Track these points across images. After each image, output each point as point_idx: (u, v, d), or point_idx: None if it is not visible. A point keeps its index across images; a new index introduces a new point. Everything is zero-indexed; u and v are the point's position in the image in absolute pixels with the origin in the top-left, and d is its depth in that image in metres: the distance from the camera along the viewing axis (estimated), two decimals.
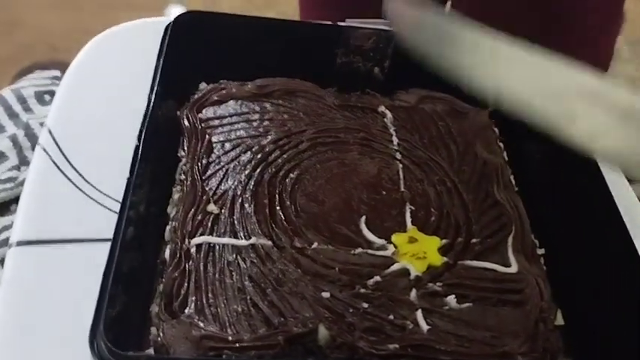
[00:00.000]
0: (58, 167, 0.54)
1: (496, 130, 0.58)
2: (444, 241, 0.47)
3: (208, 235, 0.45)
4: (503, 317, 0.43)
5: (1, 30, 1.09)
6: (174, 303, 0.41)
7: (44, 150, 0.55)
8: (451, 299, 0.43)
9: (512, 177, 0.54)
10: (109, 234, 0.47)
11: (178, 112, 0.55)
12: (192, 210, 0.46)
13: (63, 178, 0.54)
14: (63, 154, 0.55)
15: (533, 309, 0.44)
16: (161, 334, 0.39)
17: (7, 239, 0.60)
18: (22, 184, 0.61)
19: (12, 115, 0.74)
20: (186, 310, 0.41)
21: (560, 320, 0.45)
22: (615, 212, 0.46)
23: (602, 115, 0.36)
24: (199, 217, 0.46)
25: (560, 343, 0.43)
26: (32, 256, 0.48)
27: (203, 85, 0.58)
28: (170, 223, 0.47)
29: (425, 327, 0.41)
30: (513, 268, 0.46)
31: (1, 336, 0.44)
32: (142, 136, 0.47)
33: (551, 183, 0.53)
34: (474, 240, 0.48)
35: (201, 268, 0.43)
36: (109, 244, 0.47)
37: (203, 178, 0.49)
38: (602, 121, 0.36)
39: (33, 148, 0.68)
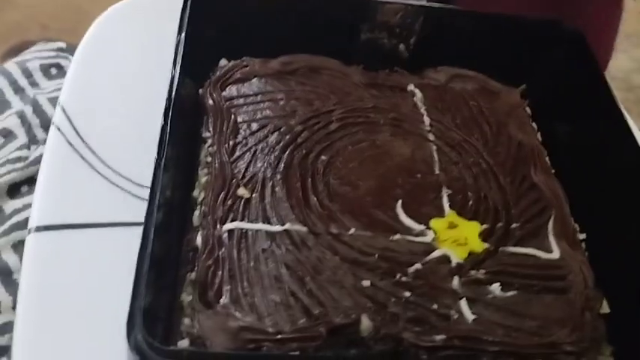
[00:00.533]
0: (73, 148, 0.52)
1: (528, 109, 0.56)
2: (484, 226, 0.45)
3: (240, 220, 0.43)
4: (548, 305, 0.42)
5: None
6: (209, 292, 0.39)
7: (58, 129, 0.53)
8: (495, 287, 0.42)
9: (547, 158, 0.52)
10: (128, 217, 0.47)
11: (200, 90, 0.52)
12: (223, 194, 0.44)
13: (79, 159, 0.52)
14: (78, 134, 0.53)
15: (579, 296, 0.42)
16: (197, 325, 0.38)
17: (19, 223, 0.59)
18: (32, 164, 0.62)
19: (17, 89, 0.71)
20: (221, 300, 0.39)
21: (605, 308, 0.43)
22: None
23: None
24: (230, 202, 0.44)
25: (604, 332, 0.42)
26: (52, 241, 0.46)
27: (224, 62, 0.56)
28: (199, 207, 0.44)
29: (470, 317, 0.40)
30: (555, 254, 0.45)
31: (23, 325, 0.42)
32: (169, 116, 0.44)
33: (587, 164, 0.51)
34: (513, 225, 0.46)
35: (235, 255, 0.41)
36: (128, 228, 0.47)
37: (231, 160, 0.46)
38: None
39: (43, 126, 0.65)
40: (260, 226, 0.43)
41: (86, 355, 0.41)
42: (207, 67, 0.55)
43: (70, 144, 0.52)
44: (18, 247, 0.57)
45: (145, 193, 0.42)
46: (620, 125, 0.50)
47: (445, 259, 0.43)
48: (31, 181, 0.60)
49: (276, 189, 0.45)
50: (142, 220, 0.39)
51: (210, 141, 0.48)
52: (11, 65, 0.74)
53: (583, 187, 0.50)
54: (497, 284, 0.42)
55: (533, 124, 0.55)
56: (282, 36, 0.57)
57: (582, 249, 0.46)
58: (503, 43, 0.57)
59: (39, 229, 0.47)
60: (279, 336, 0.37)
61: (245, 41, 0.56)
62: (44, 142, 0.59)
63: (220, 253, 0.41)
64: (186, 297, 0.41)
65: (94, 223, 0.48)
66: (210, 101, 0.51)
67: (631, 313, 0.44)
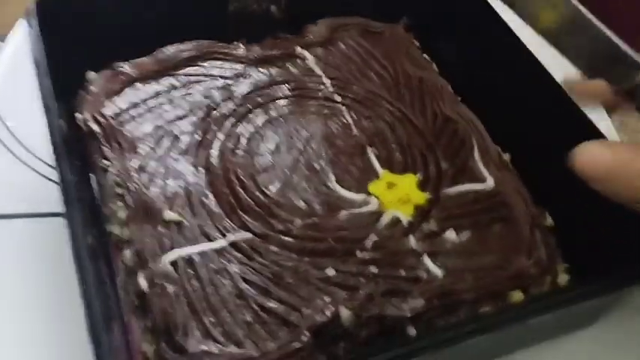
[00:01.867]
0: None
1: (416, 42, 0.56)
2: (418, 175, 0.45)
3: (179, 247, 0.39)
4: (500, 235, 0.43)
5: None
6: (176, 337, 0.35)
7: None
8: (450, 234, 0.42)
9: (449, 88, 0.52)
10: (47, 207, 0.47)
11: (79, 115, 0.47)
12: (150, 225, 0.40)
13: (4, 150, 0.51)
14: (4, 125, 0.53)
15: (523, 217, 0.43)
16: None
17: None
18: None
19: None
20: (189, 341, 0.36)
21: (549, 221, 0.45)
22: (557, 89, 0.46)
23: None
24: (161, 230, 0.40)
25: (556, 245, 0.43)
26: None
27: (92, 75, 0.50)
28: (128, 246, 0.40)
29: (438, 272, 0.40)
30: (489, 182, 0.45)
31: None
32: (60, 168, 0.39)
33: (488, 83, 0.52)
34: (443, 166, 0.46)
35: (188, 286, 0.38)
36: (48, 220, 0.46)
37: (143, 183, 0.42)
38: None
39: None
40: (202, 246, 0.40)
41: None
42: (74, 85, 0.49)
43: None
44: None
45: None
46: (501, 28, 0.50)
47: (396, 221, 0.42)
48: None
49: (204, 199, 0.42)
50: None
51: (112, 170, 0.43)
52: None
53: (491, 105, 0.51)
54: (451, 230, 0.42)
55: (425, 56, 0.54)
56: (145, 29, 0.51)
57: (511, 169, 0.47)
58: None
59: None
60: (266, 358, 0.35)
61: (106, 45, 0.50)
62: None
63: (172, 290, 0.37)
64: (149, 347, 0.38)
65: (20, 213, 0.48)
66: (95, 126, 0.45)
67: (572, 221, 0.45)
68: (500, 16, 0.52)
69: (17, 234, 0.48)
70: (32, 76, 0.45)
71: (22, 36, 0.57)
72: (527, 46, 0.48)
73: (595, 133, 0.43)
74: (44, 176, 0.50)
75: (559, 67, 0.51)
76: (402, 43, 0.55)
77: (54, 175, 0.49)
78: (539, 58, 0.48)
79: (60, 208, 0.46)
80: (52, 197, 0.45)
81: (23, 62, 0.51)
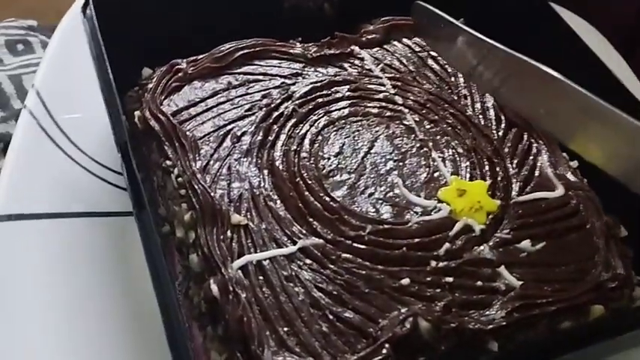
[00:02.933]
0: (45, 132, 0.51)
1: None
2: (488, 181, 0.44)
3: (248, 252, 0.38)
4: (575, 245, 0.41)
5: None
6: (251, 346, 0.34)
7: (31, 114, 0.51)
8: (526, 244, 0.40)
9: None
10: (100, 207, 0.46)
11: (138, 112, 0.45)
12: (217, 228, 0.39)
13: (51, 145, 0.50)
14: (52, 119, 0.51)
15: (598, 227, 0.42)
16: None
17: None
18: None
19: None
20: (266, 350, 0.34)
21: (623, 232, 0.43)
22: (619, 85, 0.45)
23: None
24: (229, 234, 0.39)
25: (632, 256, 0.42)
26: (20, 231, 0.45)
27: (147, 71, 0.49)
28: (194, 250, 0.39)
29: (516, 283, 0.38)
30: (560, 191, 0.44)
31: None
32: (126, 167, 0.38)
33: None
34: (511, 171, 0.45)
35: (260, 294, 0.36)
36: (105, 218, 0.46)
37: (209, 184, 0.41)
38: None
39: (0, 106, 0.64)
40: (272, 252, 0.38)
41: (46, 344, 0.41)
42: (130, 80, 0.48)
43: (43, 129, 0.50)
44: None
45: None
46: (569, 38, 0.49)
47: (468, 229, 0.41)
48: None
49: (270, 203, 0.41)
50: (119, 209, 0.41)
51: (176, 170, 0.42)
52: None
53: None
54: (527, 240, 0.40)
55: None
56: (199, 27, 0.51)
57: (580, 177, 0.46)
58: None
59: (2, 218, 0.45)
60: None
61: (162, 43, 0.49)
62: (1, 119, 0.62)
63: (244, 297, 0.36)
64: (218, 356, 0.36)
65: (65, 212, 0.47)
66: (157, 124, 0.44)
67: None
68: (561, 17, 0.51)
69: (70, 232, 0.47)
70: (83, 73, 0.44)
71: (71, 28, 0.56)
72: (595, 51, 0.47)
73: None
74: (98, 176, 0.49)
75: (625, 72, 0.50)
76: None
77: (106, 174, 0.48)
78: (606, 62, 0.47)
79: (113, 207, 0.45)
80: (104, 196, 0.45)
81: (73, 58, 0.50)
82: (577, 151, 0.41)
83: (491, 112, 0.49)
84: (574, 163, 0.47)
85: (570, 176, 0.45)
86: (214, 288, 0.36)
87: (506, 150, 0.46)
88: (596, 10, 0.64)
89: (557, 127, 0.42)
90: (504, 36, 0.46)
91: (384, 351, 0.34)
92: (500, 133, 0.47)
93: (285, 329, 0.35)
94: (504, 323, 0.36)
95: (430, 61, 0.52)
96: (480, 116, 0.48)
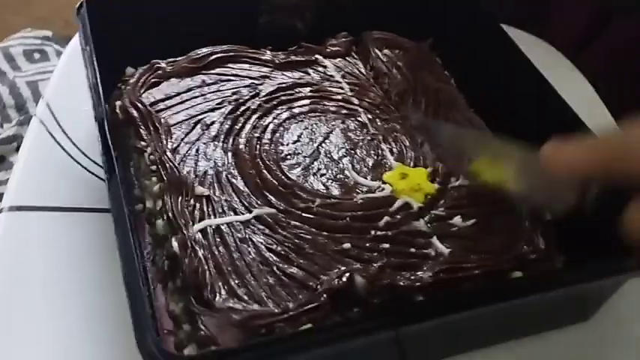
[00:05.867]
0: (54, 138, 0.56)
1: (439, 60, 0.60)
2: (429, 169, 0.49)
3: (208, 218, 0.43)
4: (503, 224, 0.46)
5: (18, 3, 1.02)
6: (204, 293, 0.39)
7: (41, 122, 0.57)
8: (457, 219, 0.45)
9: (464, 100, 0.56)
10: (102, 204, 0.50)
11: (118, 102, 0.51)
12: (182, 197, 0.44)
13: (58, 148, 0.55)
14: (60, 126, 0.57)
15: (524, 210, 0.47)
16: (202, 327, 0.38)
17: None
18: (2, 142, 0.67)
19: None
20: (218, 298, 0.39)
21: (548, 216, 0.48)
22: (566, 107, 0.50)
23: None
24: (192, 202, 0.43)
25: (553, 236, 0.47)
26: (24, 221, 0.49)
27: (130, 70, 0.55)
28: (160, 217, 0.44)
29: (445, 250, 0.43)
30: None
31: None
32: (103, 144, 0.43)
33: (498, 98, 0.55)
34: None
35: (216, 251, 0.41)
36: (103, 215, 0.49)
37: (178, 162, 0.46)
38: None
39: (17, 107, 0.70)
40: (229, 218, 0.43)
41: (52, 335, 0.44)
42: (113, 80, 0.54)
43: (52, 135, 0.56)
44: None
45: None
46: (520, 62, 0.54)
47: (407, 207, 0.45)
48: (1, 159, 0.66)
49: (232, 180, 0.46)
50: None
51: (149, 149, 0.47)
52: None
53: (501, 120, 0.54)
54: (458, 216, 0.45)
55: (446, 73, 0.59)
56: (181, 34, 0.56)
57: None
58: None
59: (12, 208, 0.50)
60: (287, 314, 0.38)
61: (146, 45, 0.55)
62: (17, 122, 0.68)
63: (201, 253, 0.40)
64: (176, 306, 0.41)
65: (70, 207, 0.51)
66: (134, 111, 0.49)
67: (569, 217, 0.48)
68: (513, 43, 0.56)
69: (74, 225, 0.50)
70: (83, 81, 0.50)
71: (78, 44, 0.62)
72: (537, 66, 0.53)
73: None
74: (101, 178, 0.53)
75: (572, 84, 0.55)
76: (426, 58, 0.60)
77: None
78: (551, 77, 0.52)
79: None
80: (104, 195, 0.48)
81: (82, 71, 0.56)
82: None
83: (441, 116, 0.54)
84: None
85: None
86: (175, 244, 0.41)
87: None
88: (544, 24, 0.71)
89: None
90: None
91: (321, 299, 0.39)
92: None
93: (236, 281, 0.40)
94: (430, 281, 0.41)
95: (394, 71, 0.57)
96: (432, 117, 0.54)
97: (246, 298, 0.39)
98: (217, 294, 0.39)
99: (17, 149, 0.61)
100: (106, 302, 0.45)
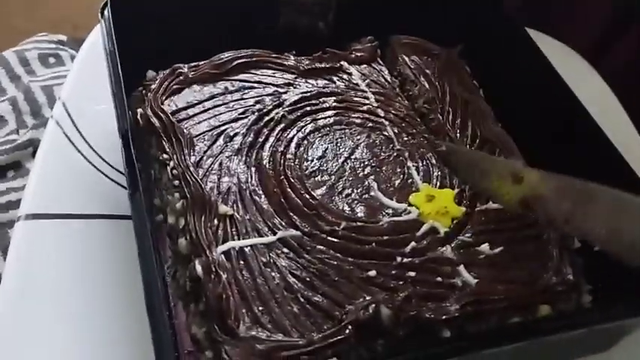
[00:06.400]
0: (70, 141, 0.55)
1: (468, 68, 0.58)
2: (455, 190, 0.48)
3: (232, 239, 0.42)
4: (531, 252, 0.45)
5: (25, 6, 1.06)
6: (228, 321, 0.38)
7: (57, 123, 0.56)
8: (485, 247, 0.44)
9: (492, 113, 0.55)
10: (119, 210, 0.50)
11: (140, 110, 0.50)
12: (205, 216, 0.43)
13: (75, 152, 0.54)
14: (76, 128, 0.55)
15: (552, 237, 0.46)
16: (224, 356, 0.37)
17: (3, 205, 0.63)
18: (18, 148, 0.66)
19: (13, 77, 0.74)
20: (241, 326, 0.38)
21: (576, 243, 0.47)
22: (595, 126, 0.49)
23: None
24: (216, 222, 0.43)
25: (582, 265, 0.46)
26: (42, 230, 0.49)
27: (151, 74, 0.53)
28: (183, 235, 0.43)
29: (472, 281, 0.42)
30: None
31: (7, 307, 0.45)
32: (126, 153, 0.42)
33: (528, 113, 0.54)
34: None
35: (239, 276, 0.40)
36: (121, 222, 0.49)
37: (201, 177, 0.45)
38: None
39: (32, 112, 0.69)
40: (253, 240, 0.42)
41: (68, 344, 0.43)
42: (135, 81, 0.53)
43: (67, 136, 0.55)
44: None
45: None
46: (550, 74, 0.53)
47: (433, 231, 0.45)
48: (18, 165, 0.65)
49: (255, 197, 0.45)
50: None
51: (171, 163, 0.46)
52: (10, 54, 0.76)
53: (528, 135, 0.53)
54: (486, 244, 0.44)
55: (475, 82, 0.57)
56: (202, 36, 0.55)
57: None
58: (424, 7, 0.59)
59: (28, 217, 0.49)
60: (311, 347, 0.37)
61: (167, 49, 0.54)
62: (33, 127, 0.66)
63: (225, 278, 0.40)
64: (198, 329, 0.40)
65: (86, 214, 0.50)
66: (157, 121, 0.48)
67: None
68: (546, 59, 0.54)
69: (89, 232, 0.50)
70: (105, 86, 0.48)
71: (96, 46, 0.60)
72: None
73: (624, 168, 0.46)
74: (117, 183, 0.53)
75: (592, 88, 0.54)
76: (455, 66, 0.58)
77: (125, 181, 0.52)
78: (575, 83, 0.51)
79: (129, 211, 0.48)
80: (122, 201, 0.48)
81: (97, 72, 0.54)
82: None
83: (469, 130, 0.53)
84: None
85: None
86: (198, 268, 0.40)
87: None
88: (564, 26, 0.69)
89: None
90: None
91: (347, 331, 0.38)
92: (474, 147, 0.51)
93: (260, 308, 0.39)
94: (457, 315, 0.40)
95: (422, 79, 0.56)
96: (458, 131, 0.53)
97: (270, 326, 0.38)
98: (241, 321, 0.38)
99: (33, 154, 0.60)
100: (123, 312, 0.44)
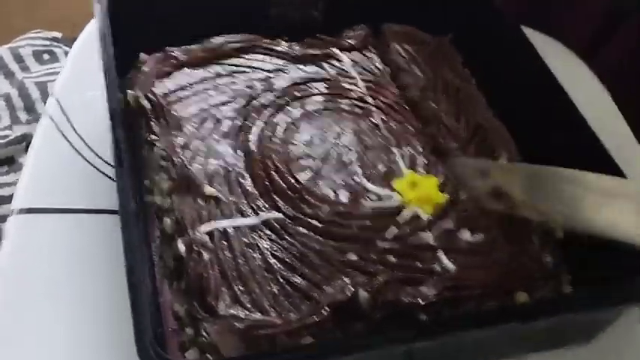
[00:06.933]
0: (63, 134, 0.55)
1: (459, 56, 0.59)
2: (441, 178, 0.48)
3: (216, 219, 0.43)
4: (511, 240, 0.46)
5: (24, 5, 1.06)
6: (207, 298, 0.39)
7: (50, 118, 0.55)
8: (466, 234, 0.45)
9: (484, 100, 0.55)
10: (112, 205, 0.46)
11: (130, 92, 0.50)
12: (190, 197, 0.43)
13: (67, 146, 0.54)
14: (69, 122, 0.55)
15: (535, 226, 0.46)
16: (204, 334, 0.38)
17: None
18: (11, 143, 0.67)
19: (7, 73, 0.75)
20: (221, 304, 0.39)
21: (559, 233, 0.47)
22: (582, 121, 0.49)
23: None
24: (200, 203, 0.43)
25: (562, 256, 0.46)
26: (34, 224, 0.49)
27: (143, 56, 0.54)
28: (168, 215, 0.44)
29: (451, 267, 0.43)
30: None
31: (0, 302, 0.45)
32: (114, 133, 0.43)
33: (521, 102, 0.54)
34: None
35: (221, 255, 0.41)
36: (112, 216, 0.47)
37: (188, 159, 0.46)
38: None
39: (26, 108, 0.70)
40: (237, 221, 0.43)
41: (63, 338, 0.43)
42: (127, 63, 0.53)
43: (61, 131, 0.55)
44: None
45: None
46: (542, 69, 0.53)
47: (415, 217, 0.45)
48: (11, 160, 0.66)
49: (241, 180, 0.45)
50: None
51: (159, 144, 0.46)
52: (4, 50, 0.76)
53: (519, 123, 0.53)
54: (467, 230, 0.45)
55: (466, 70, 0.57)
56: (195, 21, 0.55)
57: None
58: None
59: (22, 211, 0.49)
60: (289, 327, 0.38)
61: (158, 31, 0.54)
62: (26, 122, 0.67)
63: (207, 257, 0.40)
64: (180, 307, 0.41)
65: (79, 208, 0.50)
66: (147, 102, 0.49)
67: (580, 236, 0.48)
68: (534, 48, 0.54)
69: (83, 227, 0.49)
70: (99, 81, 0.48)
71: (89, 40, 0.60)
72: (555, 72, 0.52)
73: (609, 162, 0.46)
74: (111, 178, 0.52)
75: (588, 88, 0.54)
76: (446, 54, 0.58)
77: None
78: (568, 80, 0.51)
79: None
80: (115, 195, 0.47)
81: (91, 67, 0.55)
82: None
83: (462, 116, 0.53)
84: None
85: None
86: (181, 246, 0.41)
87: (470, 150, 0.51)
88: (559, 24, 0.69)
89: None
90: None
91: (324, 312, 0.39)
92: (468, 134, 0.52)
93: (240, 287, 0.40)
94: (434, 300, 0.40)
95: (413, 66, 0.56)
96: (452, 117, 0.53)
97: (249, 305, 0.39)
98: (221, 300, 0.39)
99: (26, 149, 0.60)
100: (118, 305, 0.43)
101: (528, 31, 0.58)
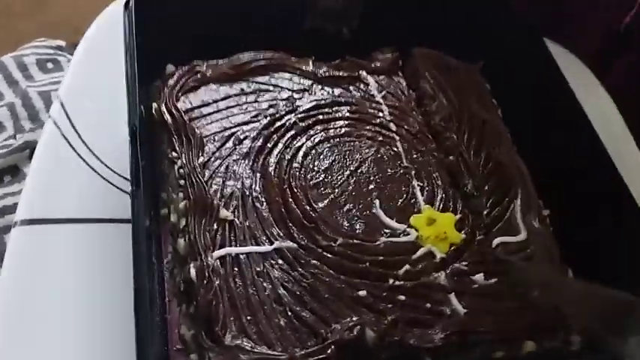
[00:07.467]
0: (68, 141, 0.54)
1: (488, 86, 0.58)
2: (458, 216, 0.48)
3: (229, 245, 0.43)
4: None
5: (27, 9, 1.09)
6: (214, 327, 0.39)
7: (55, 123, 0.55)
8: (479, 277, 0.44)
9: (509, 135, 0.54)
10: (116, 214, 0.49)
11: (154, 104, 0.50)
12: (206, 219, 0.43)
13: (73, 153, 0.53)
14: (74, 129, 0.55)
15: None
16: None
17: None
18: (15, 151, 0.66)
19: (11, 82, 0.74)
20: (227, 334, 0.39)
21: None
22: (609, 162, 0.48)
23: None
24: (215, 227, 0.43)
25: None
26: (38, 235, 0.48)
27: (171, 68, 0.54)
28: (182, 235, 0.44)
29: (461, 310, 0.42)
30: (522, 236, 0.48)
31: (4, 314, 0.45)
32: (132, 148, 0.43)
33: (547, 140, 0.53)
34: (484, 211, 0.48)
35: (232, 283, 0.41)
36: (118, 225, 0.48)
37: (205, 179, 0.46)
38: None
39: (30, 118, 0.69)
40: (250, 248, 0.43)
41: (65, 347, 0.43)
42: (154, 74, 0.53)
43: (65, 138, 0.54)
44: None
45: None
46: (573, 107, 0.52)
47: (430, 256, 0.45)
48: (15, 169, 0.65)
49: (257, 204, 0.45)
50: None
51: (179, 162, 0.47)
52: (8, 59, 0.76)
53: (543, 163, 0.52)
54: (481, 274, 0.44)
55: (494, 101, 0.57)
56: (225, 34, 0.55)
57: (547, 225, 0.49)
58: (447, 20, 0.58)
59: (24, 222, 0.48)
60: None
61: (189, 44, 0.54)
62: (29, 130, 0.66)
63: (217, 284, 0.41)
64: (187, 331, 0.41)
65: (81, 218, 0.49)
66: (170, 118, 0.49)
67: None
68: (568, 86, 0.53)
69: (88, 237, 0.50)
70: (104, 85, 0.48)
71: (93, 44, 0.60)
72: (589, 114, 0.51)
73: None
74: (116, 186, 0.52)
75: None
76: (475, 83, 0.58)
77: (124, 184, 0.51)
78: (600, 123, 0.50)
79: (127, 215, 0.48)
80: (121, 205, 0.47)
81: (95, 71, 0.54)
82: None
83: (484, 151, 0.52)
84: (546, 212, 0.50)
85: (536, 223, 0.49)
86: (192, 271, 0.41)
87: (486, 188, 0.50)
88: (571, 35, 0.68)
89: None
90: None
91: (329, 351, 0.39)
92: (487, 172, 0.51)
93: (248, 318, 0.40)
94: (441, 344, 0.40)
95: (440, 94, 0.55)
96: (472, 152, 0.52)
97: (255, 337, 0.39)
98: (228, 330, 0.39)
99: (30, 157, 0.58)
100: (122, 318, 0.42)
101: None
